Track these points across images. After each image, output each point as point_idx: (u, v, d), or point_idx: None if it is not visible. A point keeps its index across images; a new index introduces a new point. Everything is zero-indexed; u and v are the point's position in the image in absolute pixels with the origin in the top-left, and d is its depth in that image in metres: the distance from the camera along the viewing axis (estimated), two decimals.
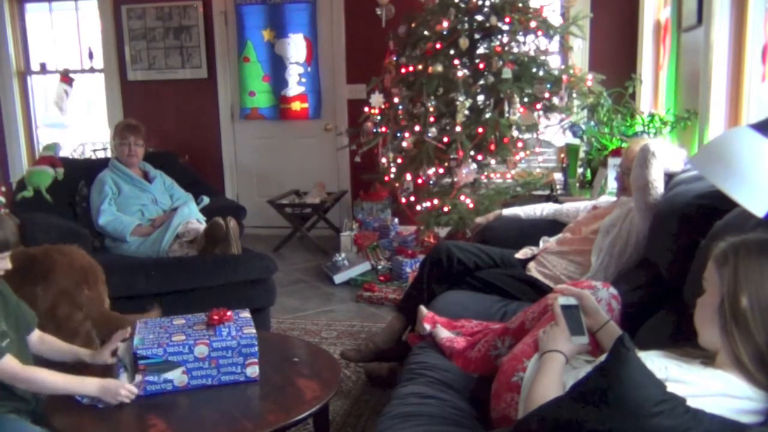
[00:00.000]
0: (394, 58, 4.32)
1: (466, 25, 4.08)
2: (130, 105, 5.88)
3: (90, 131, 6.67)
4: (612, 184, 3.39)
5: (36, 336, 1.97)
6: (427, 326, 2.16)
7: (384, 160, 4.22)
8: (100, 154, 5.90)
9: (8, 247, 1.79)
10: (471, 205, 3.93)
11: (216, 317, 2.03)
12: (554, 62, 4.26)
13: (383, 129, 4.20)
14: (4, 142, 6.13)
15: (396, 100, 4.17)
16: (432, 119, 3.99)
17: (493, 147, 3.91)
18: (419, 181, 4.15)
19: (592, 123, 4.20)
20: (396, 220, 4.92)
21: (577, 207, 3.01)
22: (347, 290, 4.21)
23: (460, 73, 3.91)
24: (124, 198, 3.43)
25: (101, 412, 1.78)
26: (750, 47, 2.75)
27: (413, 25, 4.23)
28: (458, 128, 3.83)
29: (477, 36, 4.14)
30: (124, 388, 1.79)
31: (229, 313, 2.06)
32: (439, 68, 3.91)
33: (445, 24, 4.01)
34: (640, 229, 2.34)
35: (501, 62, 3.85)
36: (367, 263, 4.44)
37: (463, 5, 4.05)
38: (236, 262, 3.12)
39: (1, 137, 6.13)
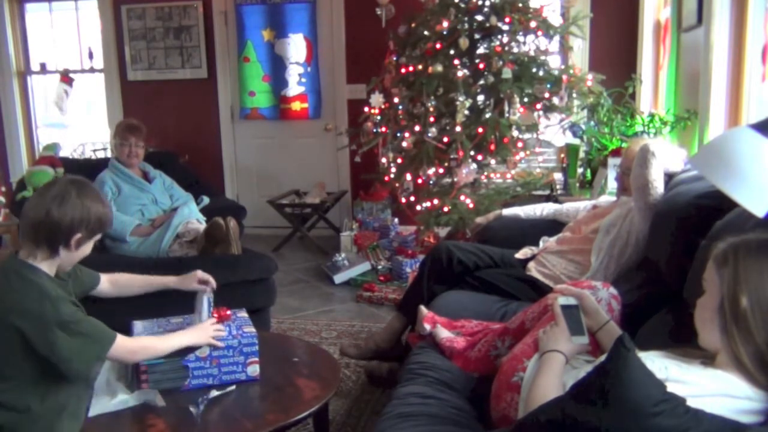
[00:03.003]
0: (394, 58, 4.32)
1: (466, 25, 4.08)
2: (130, 105, 5.88)
3: (90, 131, 6.67)
4: (612, 184, 3.39)
5: (105, 282, 1.98)
6: (427, 326, 2.16)
7: (384, 160, 4.22)
8: (100, 154, 5.89)
9: None
10: (471, 205, 3.93)
11: (216, 316, 2.03)
12: (554, 62, 4.26)
13: (383, 129, 4.20)
14: (4, 142, 6.13)
15: (396, 100, 4.17)
16: (432, 119, 3.99)
17: (493, 147, 3.91)
18: (419, 181, 4.15)
19: (592, 123, 4.20)
20: (396, 220, 4.92)
21: (577, 207, 3.01)
22: (347, 290, 4.21)
23: (460, 73, 3.91)
24: (123, 198, 3.43)
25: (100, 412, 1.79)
26: (750, 47, 2.75)
27: (413, 25, 4.24)
28: (458, 128, 3.83)
29: (477, 36, 4.14)
30: (214, 327, 1.92)
31: (228, 312, 2.07)
32: (439, 68, 3.91)
33: (445, 24, 4.01)
34: (640, 229, 2.34)
35: (501, 62, 3.85)
36: (367, 263, 4.44)
37: (463, 5, 4.05)
38: (236, 262, 3.12)
39: (1, 137, 6.13)
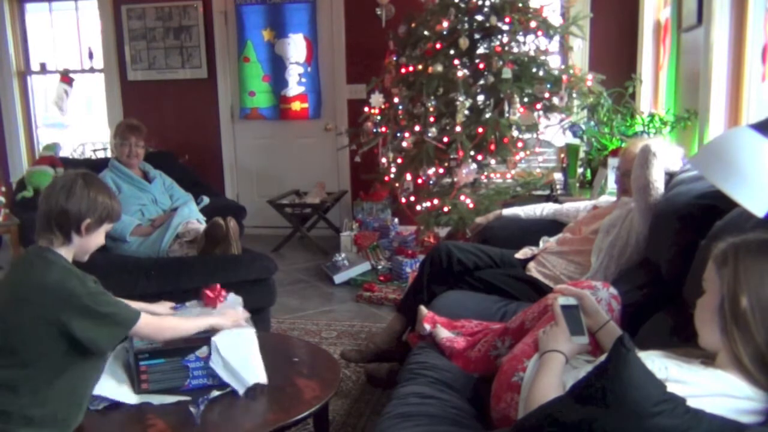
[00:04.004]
0: (394, 58, 4.32)
1: (466, 25, 4.08)
2: (130, 105, 5.88)
3: (90, 131, 6.67)
4: (612, 184, 3.39)
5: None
6: (427, 326, 2.16)
7: (384, 160, 4.22)
8: (100, 154, 5.90)
9: None
10: (471, 205, 3.93)
11: (210, 294, 2.13)
12: (554, 62, 4.25)
13: (383, 129, 4.20)
14: (4, 142, 6.13)
15: (396, 100, 4.17)
16: (432, 119, 3.99)
17: (493, 147, 3.91)
18: (419, 181, 4.15)
19: (592, 123, 4.20)
20: (396, 220, 4.92)
21: (577, 207, 3.01)
22: (347, 290, 4.21)
23: (460, 73, 3.91)
24: (123, 198, 3.42)
25: (100, 412, 1.79)
26: (750, 47, 2.75)
27: (413, 25, 4.23)
28: (458, 128, 3.83)
29: (477, 36, 4.13)
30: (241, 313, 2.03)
31: (222, 291, 2.17)
32: (439, 68, 3.91)
33: (445, 24, 4.01)
34: (640, 229, 2.34)
35: (501, 62, 3.85)
36: (367, 263, 4.44)
37: (463, 5, 4.05)
38: (236, 262, 3.12)
39: (1, 137, 6.13)
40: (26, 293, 1.65)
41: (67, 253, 1.74)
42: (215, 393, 1.84)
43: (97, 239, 1.79)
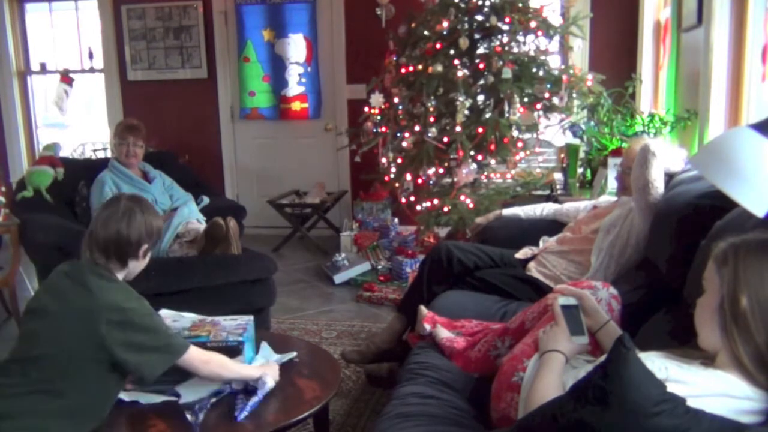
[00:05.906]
0: (394, 58, 4.32)
1: (466, 25, 4.08)
2: (130, 105, 5.89)
3: (90, 131, 6.67)
4: (612, 184, 3.39)
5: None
6: (427, 326, 2.16)
7: (384, 160, 4.22)
8: (100, 154, 5.90)
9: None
10: (471, 205, 3.93)
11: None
12: (554, 62, 4.25)
13: (383, 129, 4.20)
14: (4, 142, 6.13)
15: (396, 100, 4.17)
16: (432, 119, 3.99)
17: (493, 147, 3.91)
18: (419, 181, 4.15)
19: (592, 123, 4.20)
20: (396, 220, 4.92)
21: (577, 207, 3.01)
22: (347, 290, 4.21)
23: (460, 73, 3.91)
24: None
25: None
26: (750, 47, 2.75)
27: (413, 25, 4.23)
28: (458, 128, 3.83)
29: (477, 36, 4.13)
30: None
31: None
32: (439, 68, 3.91)
33: (445, 24, 4.01)
34: (640, 229, 2.34)
35: (501, 62, 3.84)
36: (367, 263, 4.44)
37: (463, 5, 4.05)
38: (236, 262, 3.12)
39: (1, 137, 6.13)
40: (83, 312, 1.65)
41: (120, 275, 1.78)
42: (213, 400, 1.83)
43: (146, 261, 1.83)
